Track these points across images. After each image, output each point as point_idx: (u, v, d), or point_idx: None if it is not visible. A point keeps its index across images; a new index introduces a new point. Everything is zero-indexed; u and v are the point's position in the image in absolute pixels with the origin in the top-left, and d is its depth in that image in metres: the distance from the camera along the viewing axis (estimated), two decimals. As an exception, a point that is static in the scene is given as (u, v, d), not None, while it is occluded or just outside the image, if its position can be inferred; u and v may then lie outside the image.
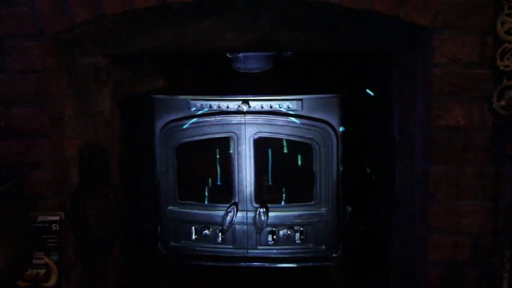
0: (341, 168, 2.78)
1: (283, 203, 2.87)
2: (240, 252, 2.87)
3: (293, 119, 2.76)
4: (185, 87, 3.36)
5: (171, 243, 2.93)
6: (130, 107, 3.07)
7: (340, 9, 2.33)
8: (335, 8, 2.34)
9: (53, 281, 2.48)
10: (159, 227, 2.94)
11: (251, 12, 2.51)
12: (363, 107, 3.08)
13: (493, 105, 2.29)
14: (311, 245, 2.85)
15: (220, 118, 2.79)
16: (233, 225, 2.83)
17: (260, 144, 2.80)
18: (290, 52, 3.04)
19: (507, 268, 2.25)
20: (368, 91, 3.15)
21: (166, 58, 3.28)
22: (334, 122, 2.75)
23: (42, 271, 2.47)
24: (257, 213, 2.79)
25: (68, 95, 2.62)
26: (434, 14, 2.27)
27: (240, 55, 2.96)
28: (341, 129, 2.75)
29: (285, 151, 2.89)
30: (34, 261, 2.45)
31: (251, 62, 2.97)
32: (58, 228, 2.48)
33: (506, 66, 2.26)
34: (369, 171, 3.09)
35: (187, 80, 3.46)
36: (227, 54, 2.98)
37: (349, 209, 2.87)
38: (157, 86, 3.34)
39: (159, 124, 2.84)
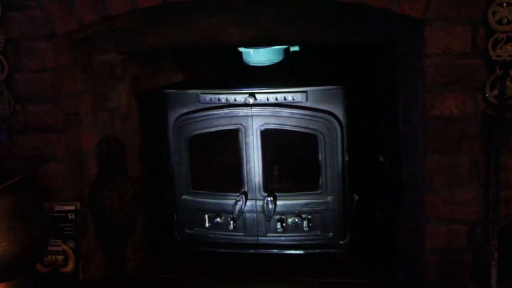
0: (346, 158, 2.74)
1: (290, 192, 2.83)
2: (250, 239, 2.87)
3: (298, 110, 2.73)
4: (199, 81, 3.38)
5: (187, 231, 2.95)
6: (149, 101, 3.06)
7: (333, 3, 2.33)
8: (329, 2, 2.34)
9: (70, 266, 2.54)
10: (175, 215, 2.96)
11: (253, 8, 2.51)
12: (371, 98, 3.01)
13: (486, 95, 2.26)
14: (319, 232, 2.81)
15: (228, 110, 2.79)
16: (243, 213, 2.83)
17: (267, 136, 2.79)
18: (297, 47, 3.03)
19: (495, 257, 2.21)
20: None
21: (184, 53, 3.26)
22: (338, 113, 2.71)
23: (60, 257, 2.54)
24: (265, 201, 2.79)
25: (84, 91, 2.69)
26: (425, 6, 2.25)
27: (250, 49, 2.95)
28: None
29: (291, 142, 2.86)
30: (53, 248, 2.52)
31: (259, 56, 2.95)
32: (73, 217, 2.55)
33: (498, 56, 2.25)
34: (383, 160, 3.00)
35: (203, 74, 3.45)
36: (238, 48, 2.97)
37: (356, 197, 2.83)
38: (176, 80, 3.33)
39: (172, 117, 2.86)
